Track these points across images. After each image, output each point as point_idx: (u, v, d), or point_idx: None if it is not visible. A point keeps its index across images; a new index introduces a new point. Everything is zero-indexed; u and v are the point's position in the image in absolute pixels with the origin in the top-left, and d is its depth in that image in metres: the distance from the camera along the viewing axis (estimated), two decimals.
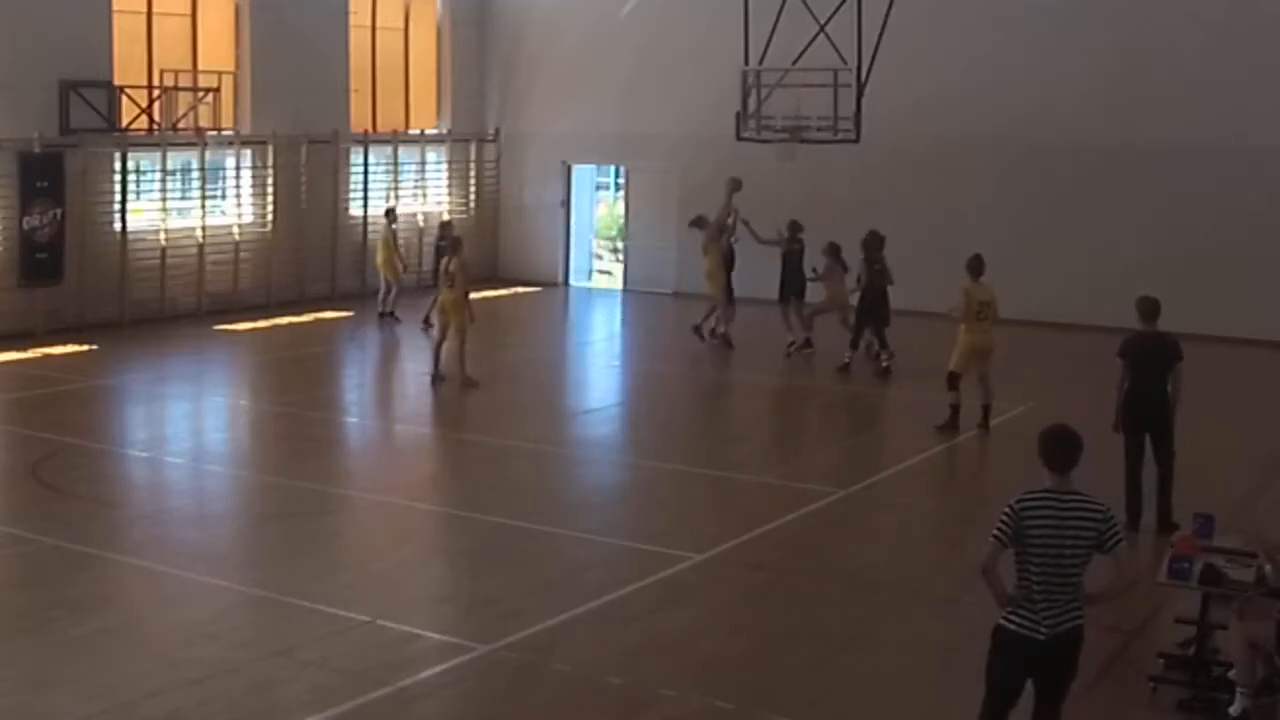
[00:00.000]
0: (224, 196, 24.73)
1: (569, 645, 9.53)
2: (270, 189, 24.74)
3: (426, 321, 21.92)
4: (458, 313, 18.04)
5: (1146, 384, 11.96)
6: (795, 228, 20.73)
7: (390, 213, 24.20)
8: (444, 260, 18.61)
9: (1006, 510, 6.77)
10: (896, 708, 8.75)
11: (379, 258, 23.70)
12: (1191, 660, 8.82)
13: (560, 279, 28.58)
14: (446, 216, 25.77)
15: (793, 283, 20.61)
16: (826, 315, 20.30)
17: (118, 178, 22.50)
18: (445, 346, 18.20)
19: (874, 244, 19.34)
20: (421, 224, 27.46)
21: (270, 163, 24.67)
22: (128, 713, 8.26)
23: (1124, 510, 11.57)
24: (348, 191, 26.35)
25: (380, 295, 23.59)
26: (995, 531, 6.76)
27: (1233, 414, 16.73)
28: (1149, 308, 12.11)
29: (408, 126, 27.73)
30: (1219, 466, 13.85)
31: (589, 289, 28.74)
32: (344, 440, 16.40)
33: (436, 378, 18.13)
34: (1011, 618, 6.81)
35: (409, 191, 27.58)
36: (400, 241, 24.38)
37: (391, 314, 23.29)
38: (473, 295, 18.51)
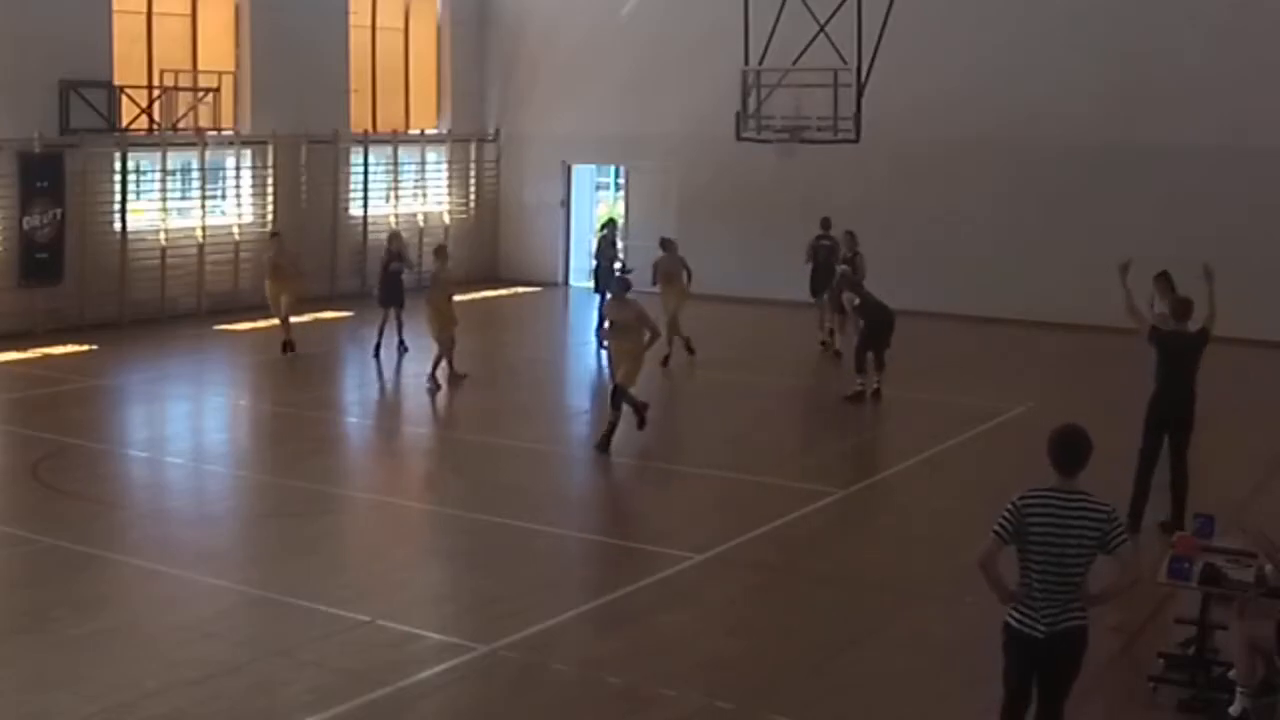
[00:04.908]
0: (224, 196, 24.75)
1: (569, 645, 9.53)
2: (270, 189, 24.75)
3: (399, 347, 20.08)
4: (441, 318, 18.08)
5: (1174, 384, 11.92)
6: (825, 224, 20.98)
7: (276, 235, 21.12)
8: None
9: (1009, 507, 6.75)
10: (896, 708, 8.74)
11: (270, 288, 20.03)
12: (1191, 660, 8.82)
13: (560, 279, 28.59)
14: (395, 226, 24.64)
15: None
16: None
17: (118, 178, 22.51)
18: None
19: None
20: (422, 224, 27.47)
21: (270, 163, 24.69)
22: (128, 713, 8.25)
23: (1127, 511, 11.54)
24: (348, 191, 26.37)
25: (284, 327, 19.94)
26: (996, 527, 6.74)
27: (1233, 414, 16.72)
28: (1182, 308, 12.08)
29: (408, 126, 27.73)
30: (1219, 466, 13.84)
31: (589, 289, 28.70)
32: (344, 440, 16.40)
33: (434, 384, 18.06)
34: (1013, 614, 6.81)
35: (409, 191, 27.61)
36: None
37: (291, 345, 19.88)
38: (469, 296, 18.47)
